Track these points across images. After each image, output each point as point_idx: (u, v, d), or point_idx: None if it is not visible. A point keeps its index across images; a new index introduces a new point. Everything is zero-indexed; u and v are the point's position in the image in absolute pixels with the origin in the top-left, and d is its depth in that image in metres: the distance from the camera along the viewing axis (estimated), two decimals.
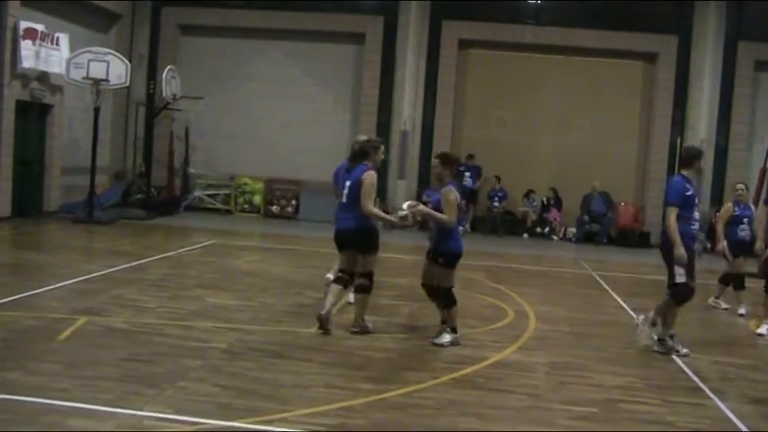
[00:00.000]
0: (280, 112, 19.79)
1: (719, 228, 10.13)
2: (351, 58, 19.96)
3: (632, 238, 18.71)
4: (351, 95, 19.97)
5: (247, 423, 5.06)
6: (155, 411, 5.14)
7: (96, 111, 16.22)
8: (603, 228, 18.83)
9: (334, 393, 5.81)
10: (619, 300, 10.92)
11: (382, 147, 8.11)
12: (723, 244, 9.90)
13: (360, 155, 7.80)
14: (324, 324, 7.64)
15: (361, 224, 7.63)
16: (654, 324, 7.80)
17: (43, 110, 16.54)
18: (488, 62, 20.02)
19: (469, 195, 19.09)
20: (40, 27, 15.46)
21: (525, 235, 19.19)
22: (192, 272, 10.96)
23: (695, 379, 6.90)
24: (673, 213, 7.51)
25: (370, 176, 7.59)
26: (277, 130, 19.81)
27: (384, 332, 7.88)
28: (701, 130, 18.74)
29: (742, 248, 10.04)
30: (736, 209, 10.15)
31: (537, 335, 8.35)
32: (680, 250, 7.37)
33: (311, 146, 19.49)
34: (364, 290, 7.75)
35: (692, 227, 7.67)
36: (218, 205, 20.01)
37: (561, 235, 19.23)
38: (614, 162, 19.50)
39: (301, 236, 16.40)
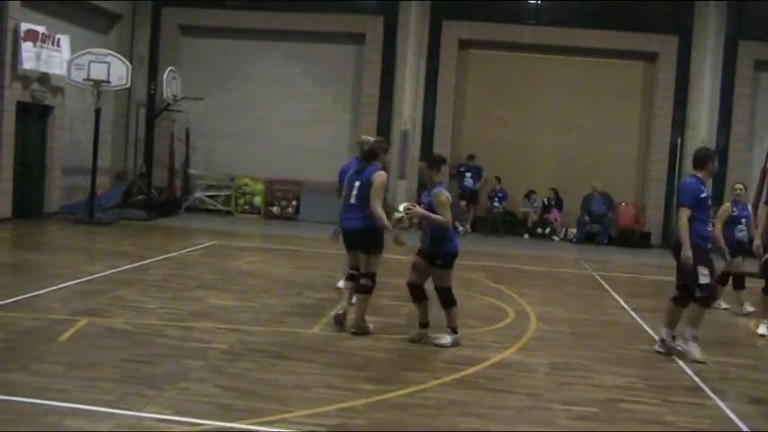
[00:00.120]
0: (280, 112, 19.80)
1: (717, 228, 10.11)
2: (351, 59, 19.97)
3: (633, 239, 18.72)
4: (351, 96, 19.98)
5: (248, 424, 5.06)
6: (155, 412, 5.15)
7: (97, 112, 16.24)
8: (604, 228, 18.84)
9: (335, 394, 5.81)
10: (619, 300, 10.92)
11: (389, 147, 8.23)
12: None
13: (370, 155, 7.87)
14: (340, 324, 7.75)
15: (368, 225, 7.64)
16: (696, 338, 7.67)
17: (44, 111, 16.55)
18: (488, 62, 20.03)
19: (470, 196, 19.13)
20: (40, 29, 15.48)
21: (526, 235, 19.19)
22: (192, 273, 10.97)
23: (696, 379, 6.90)
24: (685, 214, 7.44)
25: (380, 177, 7.65)
26: (277, 131, 19.82)
27: (385, 333, 7.89)
28: (701, 130, 18.73)
29: (740, 249, 10.04)
30: (734, 209, 10.15)
31: (538, 335, 8.35)
32: (687, 252, 7.34)
33: (311, 146, 19.51)
34: (366, 290, 7.76)
35: (708, 228, 7.66)
36: (219, 206, 20.02)
37: (562, 235, 19.24)
38: (615, 162, 19.50)
39: (302, 236, 16.41)
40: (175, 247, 13.45)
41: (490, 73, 19.95)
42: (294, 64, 19.93)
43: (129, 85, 16.91)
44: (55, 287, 9.14)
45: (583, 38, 19.02)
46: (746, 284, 10.22)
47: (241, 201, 20.02)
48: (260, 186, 19.86)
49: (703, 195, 7.54)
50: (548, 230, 19.21)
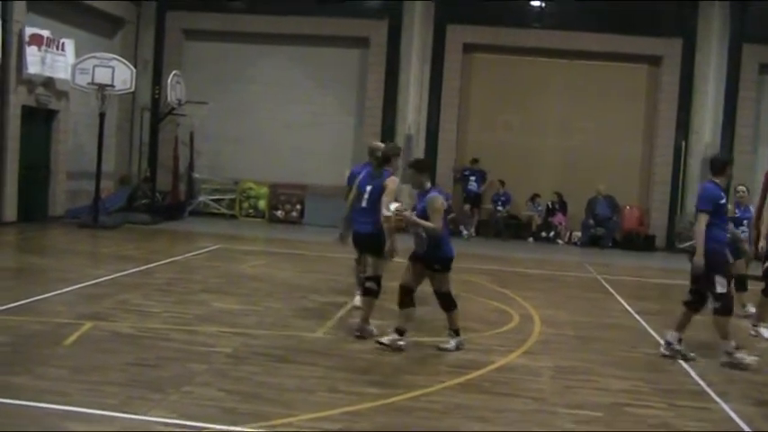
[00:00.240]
0: (284, 116, 19.81)
1: None
2: (355, 63, 19.98)
3: (637, 242, 18.68)
4: (355, 100, 19.99)
5: (252, 428, 5.06)
6: (160, 416, 5.15)
7: (101, 116, 16.28)
8: (608, 231, 18.80)
9: (339, 397, 5.81)
10: (624, 303, 10.90)
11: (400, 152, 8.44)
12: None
13: (384, 161, 8.03)
14: (363, 335, 7.70)
15: (379, 229, 7.67)
16: (738, 348, 7.63)
17: (49, 115, 16.60)
18: (493, 66, 20.03)
19: (474, 199, 19.12)
20: (45, 33, 15.54)
21: (530, 239, 19.18)
22: (197, 276, 10.98)
23: (701, 382, 6.88)
24: (703, 220, 7.41)
25: (393, 182, 7.79)
26: (281, 135, 19.83)
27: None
28: (705, 133, 18.71)
29: (742, 251, 10.03)
30: (736, 211, 10.15)
31: (542, 339, 8.34)
32: (700, 259, 7.34)
33: (316, 150, 19.53)
34: (371, 293, 7.77)
35: (725, 233, 7.66)
36: (223, 210, 20.04)
37: (566, 239, 19.22)
38: (619, 165, 19.47)
39: (306, 240, 16.40)
40: (180, 250, 13.46)
41: (494, 77, 19.95)
42: (298, 68, 19.95)
43: (133, 89, 16.96)
44: (60, 291, 9.15)
45: (587, 41, 19.02)
46: (749, 287, 10.20)
47: (245, 204, 20.03)
48: (264, 190, 19.87)
49: (722, 201, 7.54)
50: (552, 234, 19.19)
